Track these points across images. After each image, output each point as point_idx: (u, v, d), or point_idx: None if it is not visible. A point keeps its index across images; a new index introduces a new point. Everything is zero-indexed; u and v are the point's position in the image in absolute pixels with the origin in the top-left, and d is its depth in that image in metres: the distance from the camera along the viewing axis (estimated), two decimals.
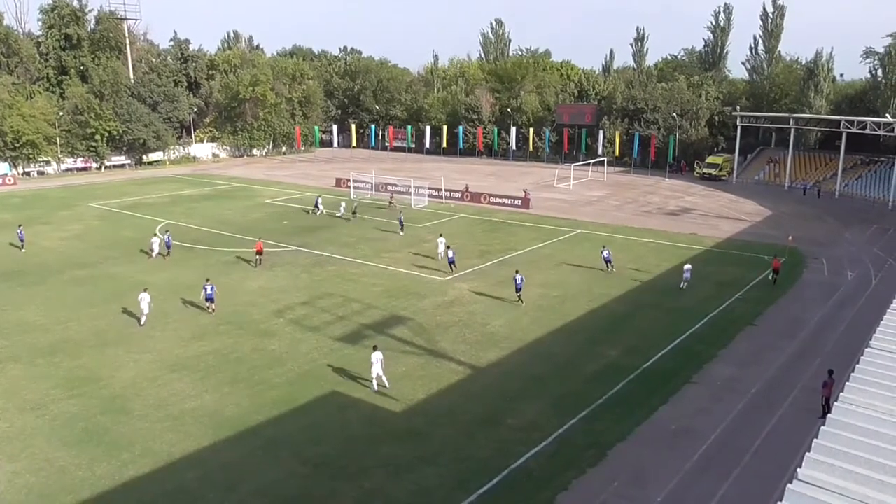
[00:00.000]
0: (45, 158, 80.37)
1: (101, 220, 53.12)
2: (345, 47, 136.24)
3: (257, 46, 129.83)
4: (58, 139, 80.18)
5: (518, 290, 32.68)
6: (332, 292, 34.80)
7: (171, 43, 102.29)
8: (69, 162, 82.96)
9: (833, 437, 11.92)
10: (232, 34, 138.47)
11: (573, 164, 78.46)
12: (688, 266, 35.76)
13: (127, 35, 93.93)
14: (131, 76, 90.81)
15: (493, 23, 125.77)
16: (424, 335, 28.99)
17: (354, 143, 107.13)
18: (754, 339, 28.98)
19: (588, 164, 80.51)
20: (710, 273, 38.37)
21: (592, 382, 24.55)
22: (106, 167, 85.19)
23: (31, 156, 78.39)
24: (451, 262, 38.11)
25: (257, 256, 39.52)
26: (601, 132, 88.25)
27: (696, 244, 46.13)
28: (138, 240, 45.78)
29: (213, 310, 31.38)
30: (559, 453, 19.86)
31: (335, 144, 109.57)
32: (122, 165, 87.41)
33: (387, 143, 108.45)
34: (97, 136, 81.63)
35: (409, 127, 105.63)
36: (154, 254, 41.12)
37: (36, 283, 36.32)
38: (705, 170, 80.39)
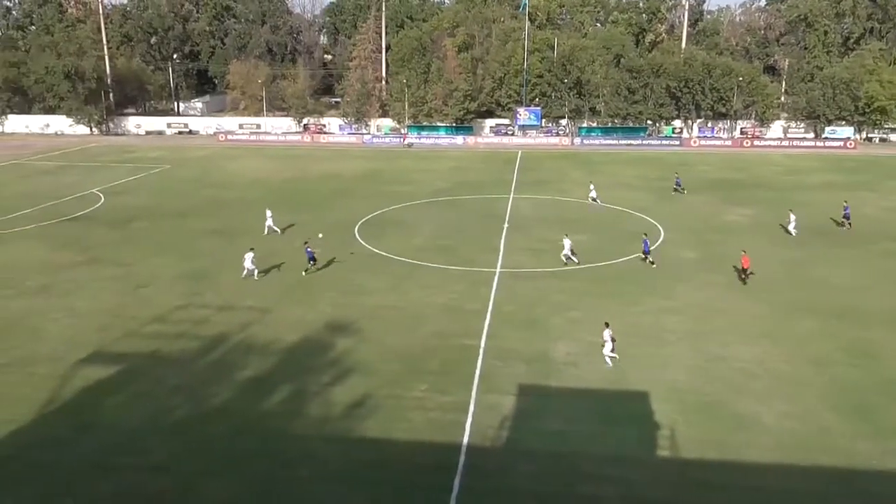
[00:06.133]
0: (892, 125, 77.84)
1: None
2: None
3: None
4: None
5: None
6: None
7: None
8: None
9: None
10: None
11: None
12: None
13: None
14: None
15: None
16: None
17: None
18: None
19: None
20: None
21: None
22: None
23: (877, 122, 77.33)
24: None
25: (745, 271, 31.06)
26: None
27: None
28: None
29: (313, 266, 32.24)
30: None
31: None
32: None
33: None
34: None
35: None
36: None
37: (847, 245, 36.86)
38: None
